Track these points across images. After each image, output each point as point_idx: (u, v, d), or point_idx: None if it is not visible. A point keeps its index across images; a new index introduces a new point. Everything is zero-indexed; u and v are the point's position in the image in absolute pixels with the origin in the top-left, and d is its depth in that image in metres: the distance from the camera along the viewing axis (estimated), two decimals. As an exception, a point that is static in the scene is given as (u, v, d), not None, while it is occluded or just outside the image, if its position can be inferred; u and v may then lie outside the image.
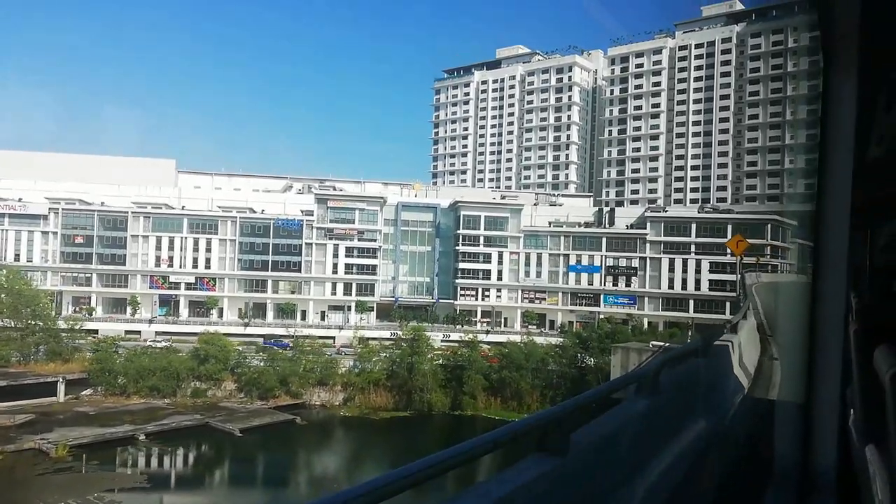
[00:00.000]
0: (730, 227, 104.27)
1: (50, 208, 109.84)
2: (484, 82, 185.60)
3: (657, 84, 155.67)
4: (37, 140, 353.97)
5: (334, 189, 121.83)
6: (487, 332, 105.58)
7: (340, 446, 66.52)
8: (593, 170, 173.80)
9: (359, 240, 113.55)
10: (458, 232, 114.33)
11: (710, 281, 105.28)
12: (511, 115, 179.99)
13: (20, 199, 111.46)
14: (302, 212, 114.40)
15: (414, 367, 75.94)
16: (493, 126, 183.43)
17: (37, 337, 79.06)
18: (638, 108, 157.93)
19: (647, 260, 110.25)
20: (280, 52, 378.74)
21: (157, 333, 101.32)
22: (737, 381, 7.51)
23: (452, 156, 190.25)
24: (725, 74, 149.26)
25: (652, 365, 5.18)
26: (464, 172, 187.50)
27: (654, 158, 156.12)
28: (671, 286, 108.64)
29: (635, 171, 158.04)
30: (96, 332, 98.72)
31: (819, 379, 3.70)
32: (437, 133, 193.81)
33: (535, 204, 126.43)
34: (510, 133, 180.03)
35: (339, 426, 72.20)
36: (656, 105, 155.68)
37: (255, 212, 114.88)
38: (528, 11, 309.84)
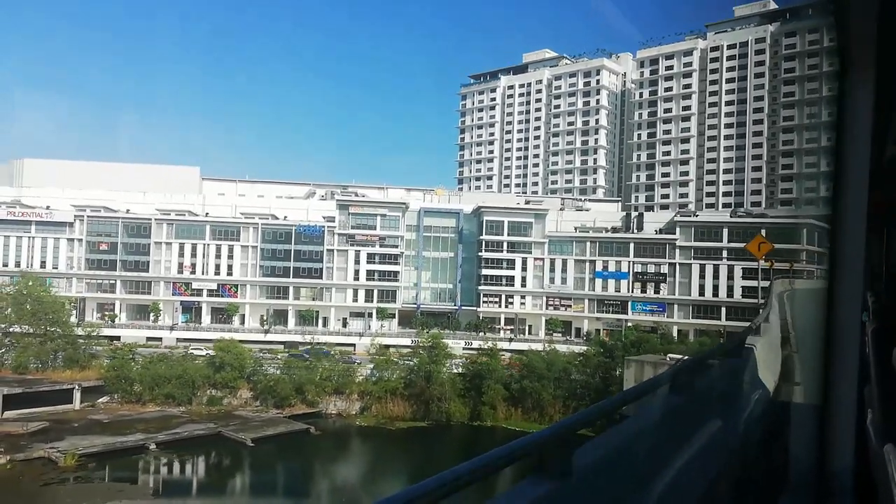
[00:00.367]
0: (763, 232, 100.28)
1: (75, 216, 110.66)
2: (510, 87, 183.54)
3: (688, 86, 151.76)
4: (64, 149, 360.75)
5: (356, 195, 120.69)
6: (510, 340, 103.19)
7: (352, 458, 64.60)
8: (622, 174, 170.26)
9: (380, 246, 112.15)
10: (482, 237, 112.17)
11: (743, 287, 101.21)
12: (538, 119, 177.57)
13: (48, 207, 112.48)
14: (324, 218, 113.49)
15: (432, 376, 73.82)
16: (520, 131, 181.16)
17: (55, 344, 78.93)
18: (668, 111, 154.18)
19: (677, 266, 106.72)
20: (305, 60, 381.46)
21: (179, 340, 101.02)
22: (754, 383, 7.23)
23: (478, 161, 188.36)
24: (759, 75, 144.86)
25: (687, 364, 4.89)
26: (490, 178, 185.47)
27: (685, 162, 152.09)
28: (702, 293, 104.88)
29: (665, 175, 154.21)
30: (118, 338, 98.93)
31: (836, 379, 3.63)
32: (462, 139, 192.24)
33: (560, 209, 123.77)
34: (537, 138, 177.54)
35: (353, 436, 70.41)
36: (687, 108, 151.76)
37: (277, 218, 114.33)
38: (555, 15, 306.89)
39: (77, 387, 72.77)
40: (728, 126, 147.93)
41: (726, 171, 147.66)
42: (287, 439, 65.24)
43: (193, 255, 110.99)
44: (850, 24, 3.28)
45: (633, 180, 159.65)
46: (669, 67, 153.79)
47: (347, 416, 75.31)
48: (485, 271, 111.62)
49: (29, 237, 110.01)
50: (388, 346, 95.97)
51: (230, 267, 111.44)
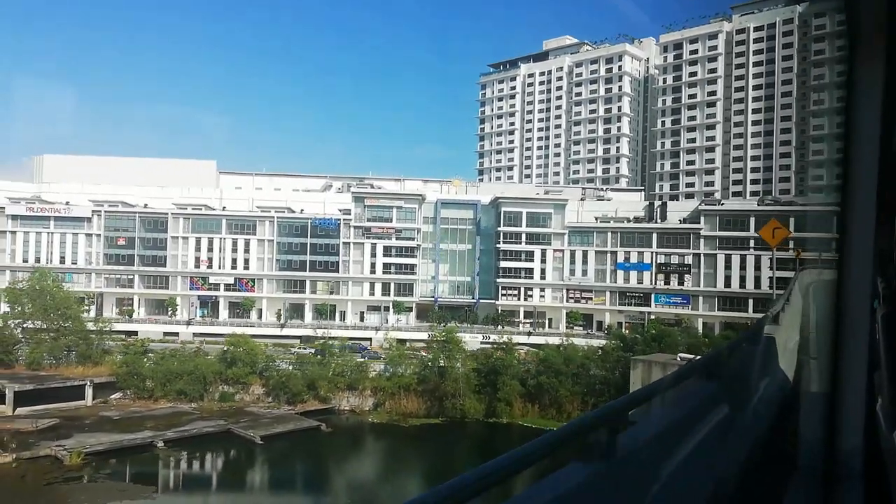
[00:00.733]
0: (792, 220, 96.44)
1: (93, 211, 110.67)
2: (531, 75, 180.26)
3: (713, 71, 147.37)
4: (83, 145, 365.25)
5: (372, 187, 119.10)
6: (529, 334, 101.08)
7: (363, 456, 63.01)
8: (646, 163, 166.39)
9: (396, 238, 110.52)
10: (500, 229, 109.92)
11: (771, 278, 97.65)
12: (559, 108, 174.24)
13: (67, 203, 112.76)
14: (340, 210, 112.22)
15: (445, 372, 72.01)
16: (541, 120, 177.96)
17: (67, 340, 78.64)
18: (693, 96, 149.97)
19: (702, 256, 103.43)
20: (325, 53, 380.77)
21: (195, 335, 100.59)
22: (768, 371, 7.10)
23: (499, 152, 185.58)
24: (788, 58, 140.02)
25: (698, 364, 4.66)
26: (510, 169, 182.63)
27: (711, 149, 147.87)
28: (728, 284, 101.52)
29: (690, 163, 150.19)
30: (136, 333, 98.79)
31: (845, 365, 3.66)
32: (482, 129, 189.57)
33: (581, 199, 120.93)
34: (558, 127, 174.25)
35: (365, 434, 68.94)
36: (712, 93, 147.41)
37: (293, 211, 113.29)
38: (576, 1, 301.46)
39: (89, 383, 72.37)
40: (755, 111, 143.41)
41: (754, 158, 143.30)
42: (297, 437, 64.03)
43: (210, 249, 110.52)
44: (861, 6, 3.28)
45: (657, 169, 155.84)
46: (694, 52, 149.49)
47: (360, 413, 73.90)
48: (503, 263, 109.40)
49: (48, 233, 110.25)
50: (404, 341, 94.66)
51: (247, 261, 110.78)
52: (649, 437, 3.58)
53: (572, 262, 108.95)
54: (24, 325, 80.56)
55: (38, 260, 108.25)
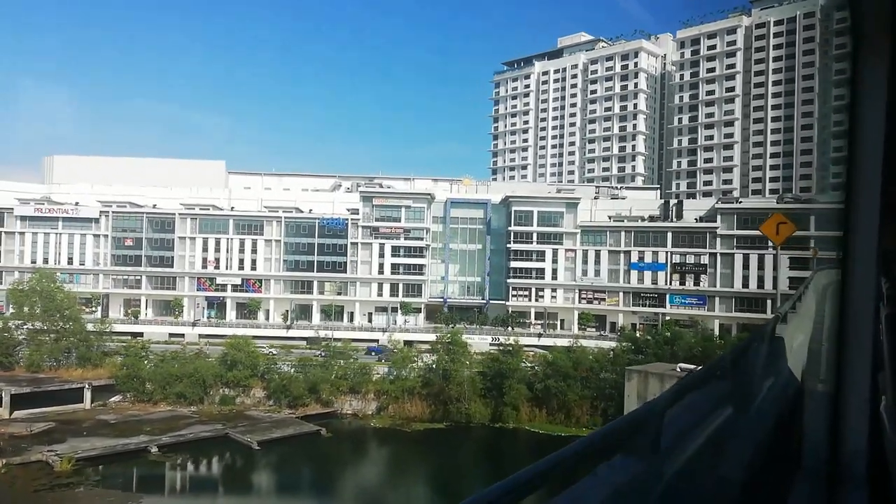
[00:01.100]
0: (812, 219, 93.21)
1: (101, 211, 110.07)
2: (545, 73, 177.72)
3: (731, 66, 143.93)
4: (92, 146, 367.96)
5: (380, 186, 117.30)
6: (540, 336, 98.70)
7: (362, 463, 60.87)
8: (662, 161, 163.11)
9: (405, 238, 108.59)
10: (510, 228, 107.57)
11: (791, 279, 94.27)
12: (573, 105, 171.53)
13: (76, 203, 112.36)
14: (348, 210, 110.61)
15: (450, 375, 69.86)
16: (555, 118, 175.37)
17: (68, 342, 77.62)
18: (710, 93, 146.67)
19: (718, 256, 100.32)
20: (338, 54, 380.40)
21: (201, 336, 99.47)
22: (772, 370, 6.38)
23: (513, 151, 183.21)
24: (809, 52, 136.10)
25: (700, 374, 4.39)
26: (524, 168, 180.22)
27: (729, 147, 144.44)
28: (745, 284, 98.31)
29: (708, 160, 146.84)
30: (141, 334, 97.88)
31: (849, 364, 3.66)
32: (496, 128, 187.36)
33: (595, 197, 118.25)
34: (573, 125, 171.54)
35: (366, 439, 66.91)
36: (730, 89, 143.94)
37: (301, 211, 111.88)
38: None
39: (87, 386, 71.20)
40: (775, 107, 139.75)
41: (773, 156, 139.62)
42: (296, 442, 62.20)
43: (217, 249, 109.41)
44: (865, 3, 3.23)
45: (673, 167, 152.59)
46: (712, 47, 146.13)
47: (363, 417, 71.97)
48: (514, 264, 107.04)
49: (56, 234, 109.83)
50: (411, 342, 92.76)
51: (254, 261, 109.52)
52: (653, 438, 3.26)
53: (585, 261, 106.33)
54: (25, 327, 79.60)
55: (46, 261, 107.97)
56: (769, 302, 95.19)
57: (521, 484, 1.85)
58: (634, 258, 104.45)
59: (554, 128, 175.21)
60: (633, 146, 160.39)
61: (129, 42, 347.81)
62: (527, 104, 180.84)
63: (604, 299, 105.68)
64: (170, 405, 70.83)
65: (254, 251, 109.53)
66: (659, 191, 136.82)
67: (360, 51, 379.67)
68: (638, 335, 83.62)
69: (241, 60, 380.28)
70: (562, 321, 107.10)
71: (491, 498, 1.76)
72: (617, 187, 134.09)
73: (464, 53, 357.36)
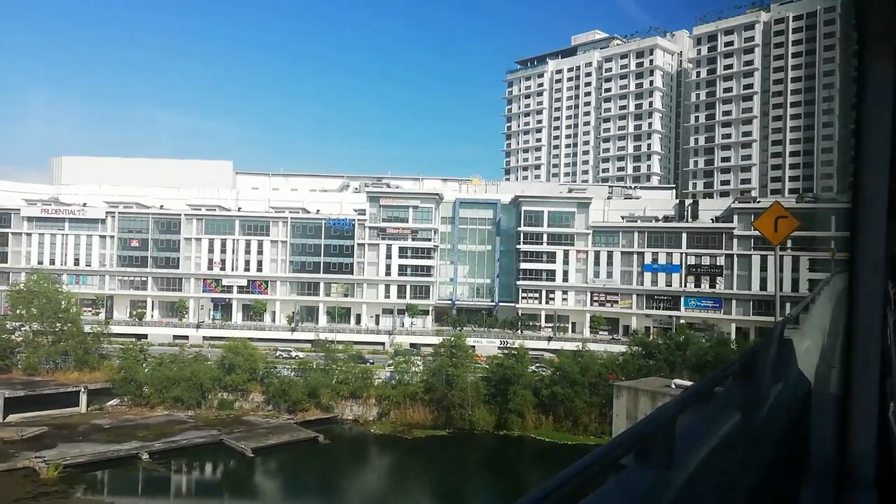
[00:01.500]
0: (833, 219, 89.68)
1: (107, 212, 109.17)
2: (558, 71, 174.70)
3: (749, 63, 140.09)
4: (100, 146, 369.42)
5: (388, 186, 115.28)
6: (550, 339, 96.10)
7: (359, 472, 58.56)
8: (678, 160, 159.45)
9: (413, 239, 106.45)
10: (520, 229, 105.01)
11: (811, 281, 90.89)
12: (588, 104, 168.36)
13: (84, 204, 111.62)
14: (355, 211, 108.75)
15: (452, 381, 67.53)
16: (569, 117, 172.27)
17: (65, 344, 76.27)
18: (728, 90, 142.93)
19: (735, 257, 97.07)
20: (353, 56, 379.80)
21: (205, 338, 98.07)
22: (782, 374, 6.30)
23: (526, 150, 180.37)
24: (829, 48, 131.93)
25: (700, 387, 4.41)
26: (538, 168, 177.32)
27: (747, 145, 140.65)
28: (763, 287, 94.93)
29: (725, 159, 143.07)
30: (146, 336, 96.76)
31: (857, 370, 3.66)
32: (509, 127, 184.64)
33: (608, 197, 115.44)
34: (587, 124, 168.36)
35: (365, 446, 64.80)
36: (749, 86, 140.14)
37: (308, 212, 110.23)
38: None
39: (83, 389, 69.82)
40: (795, 105, 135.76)
41: (793, 154, 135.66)
42: (292, 449, 60.26)
43: (223, 250, 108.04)
44: (872, 2, 3.22)
45: (690, 166, 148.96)
46: (729, 43, 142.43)
47: (364, 423, 69.88)
48: (524, 265, 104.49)
49: (63, 234, 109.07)
50: (417, 346, 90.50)
51: (260, 263, 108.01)
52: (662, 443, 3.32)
53: (597, 263, 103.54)
54: (24, 329, 78.47)
55: (52, 262, 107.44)
56: (788, 305, 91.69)
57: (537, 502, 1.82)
58: (648, 260, 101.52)
59: (568, 127, 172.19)
60: (649, 145, 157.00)
61: (136, 44, 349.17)
62: (540, 103, 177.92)
63: (616, 302, 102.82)
64: (167, 409, 69.29)
65: (260, 252, 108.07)
66: (675, 190, 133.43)
67: (372, 53, 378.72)
68: (649, 339, 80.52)
69: (253, 63, 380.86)
70: (573, 324, 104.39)
71: None
72: (631, 187, 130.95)
73: (476, 53, 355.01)
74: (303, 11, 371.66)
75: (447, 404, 67.68)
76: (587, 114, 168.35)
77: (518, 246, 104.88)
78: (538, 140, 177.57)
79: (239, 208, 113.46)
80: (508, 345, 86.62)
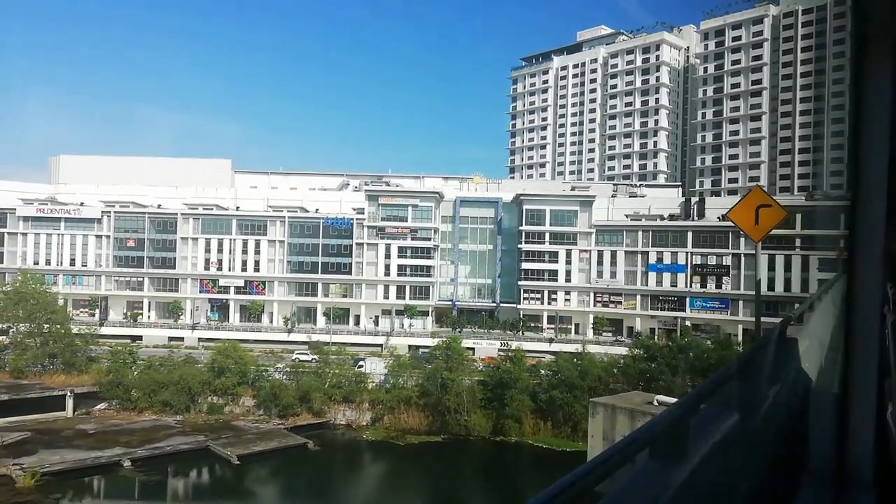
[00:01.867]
0: (843, 217, 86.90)
1: (103, 212, 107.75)
2: (563, 68, 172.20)
3: (758, 58, 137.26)
4: (98, 145, 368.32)
5: (388, 185, 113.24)
6: (551, 341, 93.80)
7: (348, 482, 56.36)
8: (685, 158, 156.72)
9: (412, 239, 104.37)
10: (522, 228, 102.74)
11: (819, 281, 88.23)
12: (593, 101, 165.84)
13: (81, 204, 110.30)
14: (354, 210, 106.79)
15: (447, 385, 65.40)
16: (574, 115, 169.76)
17: (52, 346, 74.61)
18: (736, 86, 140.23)
19: (742, 257, 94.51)
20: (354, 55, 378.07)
21: (200, 340, 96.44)
22: (780, 373, 5.98)
23: (531, 149, 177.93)
24: (839, 42, 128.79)
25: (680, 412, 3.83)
26: (543, 166, 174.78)
27: (756, 142, 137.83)
28: (771, 287, 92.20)
29: (733, 157, 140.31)
30: (140, 338, 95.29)
31: (855, 371, 3.65)
32: (513, 125, 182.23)
33: (613, 195, 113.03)
34: (592, 121, 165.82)
35: (356, 453, 62.72)
36: (757, 82, 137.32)
37: (306, 211, 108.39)
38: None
39: (69, 393, 68.16)
40: (804, 100, 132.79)
41: (802, 151, 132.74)
42: (279, 456, 58.26)
43: (220, 250, 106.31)
44: (868, 3, 3.21)
45: (697, 164, 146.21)
46: (737, 38, 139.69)
47: (357, 428, 67.82)
48: (525, 265, 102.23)
49: (58, 234, 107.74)
50: (417, 348, 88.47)
51: (257, 263, 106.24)
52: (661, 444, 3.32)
53: (600, 263, 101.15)
54: (11, 331, 76.91)
55: (48, 262, 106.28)
56: (797, 306, 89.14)
57: None
58: (653, 259, 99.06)
59: (573, 124, 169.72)
60: (655, 142, 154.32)
61: (136, 44, 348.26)
62: (545, 100, 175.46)
63: (620, 303, 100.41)
64: (155, 414, 67.47)
65: (257, 252, 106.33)
66: (681, 188, 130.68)
67: (373, 53, 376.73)
68: (651, 341, 78.02)
69: (254, 61, 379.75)
70: (576, 325, 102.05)
71: None
72: (636, 185, 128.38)
73: (478, 53, 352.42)
74: (303, 11, 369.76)
75: (442, 409, 65.55)
76: (593, 111, 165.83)
77: (520, 245, 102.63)
78: (543, 138, 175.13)
79: (237, 207, 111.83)
80: (509, 347, 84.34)
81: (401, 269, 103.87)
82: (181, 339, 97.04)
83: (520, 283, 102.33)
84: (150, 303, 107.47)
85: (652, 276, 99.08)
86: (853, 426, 3.63)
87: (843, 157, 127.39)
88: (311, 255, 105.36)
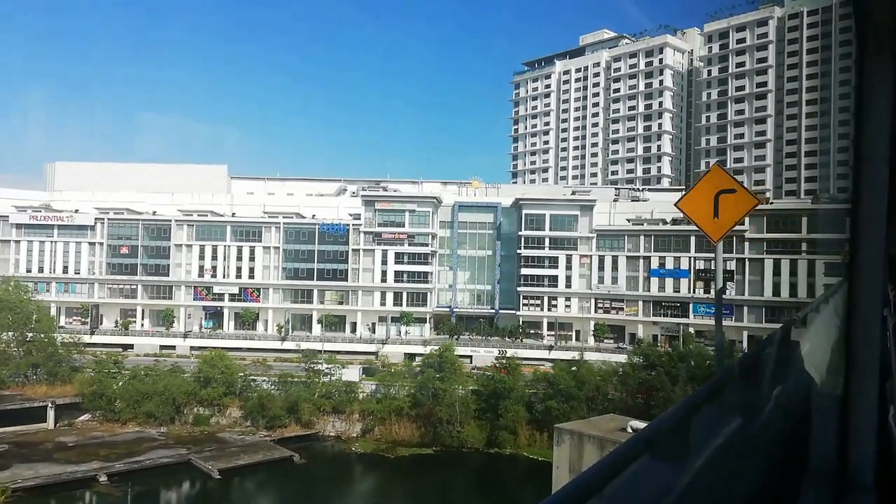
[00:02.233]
0: (848, 221, 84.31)
1: (96, 219, 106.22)
2: (566, 72, 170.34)
3: (762, 60, 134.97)
4: (94, 152, 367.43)
5: (385, 190, 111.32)
6: (550, 348, 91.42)
7: (331, 498, 54.11)
8: (690, 161, 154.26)
9: (409, 244, 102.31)
10: (521, 233, 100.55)
11: (826, 286, 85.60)
12: (596, 105, 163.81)
13: (76, 211, 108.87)
14: (350, 216, 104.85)
15: (439, 395, 63.13)
16: (577, 119, 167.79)
17: (35, 356, 72.71)
18: (740, 88, 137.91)
19: (746, 262, 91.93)
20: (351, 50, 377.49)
21: (193, 349, 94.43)
22: (782, 377, 5.95)
23: (533, 153, 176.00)
24: (845, 43, 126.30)
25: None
26: (545, 171, 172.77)
27: (761, 145, 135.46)
28: (776, 292, 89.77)
29: (738, 160, 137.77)
30: (132, 347, 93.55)
31: (857, 373, 3.64)
32: (516, 130, 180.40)
33: (614, 199, 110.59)
34: (595, 125, 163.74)
35: (344, 466, 60.46)
36: (762, 84, 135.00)
37: (302, 216, 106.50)
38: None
39: (51, 404, 66.24)
40: (810, 102, 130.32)
41: (808, 154, 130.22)
42: (264, 469, 56.13)
43: (214, 257, 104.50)
44: (869, 5, 3.19)
45: (701, 167, 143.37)
46: (741, 40, 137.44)
47: (347, 440, 65.63)
48: (525, 270, 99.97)
49: (51, 242, 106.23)
50: (413, 356, 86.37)
51: (252, 269, 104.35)
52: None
53: (601, 268, 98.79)
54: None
55: (41, 269, 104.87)
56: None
57: None
58: (655, 264, 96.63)
59: (576, 129, 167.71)
60: (659, 146, 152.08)
61: (133, 50, 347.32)
62: (547, 105, 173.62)
63: (622, 309, 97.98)
64: (139, 425, 65.51)
65: (252, 259, 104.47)
66: (684, 192, 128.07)
67: (374, 55, 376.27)
68: (651, 349, 75.48)
69: (254, 65, 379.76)
70: (577, 332, 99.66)
71: None
72: (638, 189, 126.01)
73: (479, 59, 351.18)
74: (302, 16, 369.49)
75: (435, 420, 63.29)
76: (595, 115, 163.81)
77: (519, 250, 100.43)
78: (546, 143, 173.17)
79: (233, 213, 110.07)
80: (507, 355, 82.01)
81: (398, 275, 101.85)
82: (173, 347, 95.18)
83: (519, 289, 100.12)
84: (143, 311, 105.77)
85: (654, 281, 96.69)
86: (854, 429, 3.56)
87: (849, 159, 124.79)
88: (306, 261, 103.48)
